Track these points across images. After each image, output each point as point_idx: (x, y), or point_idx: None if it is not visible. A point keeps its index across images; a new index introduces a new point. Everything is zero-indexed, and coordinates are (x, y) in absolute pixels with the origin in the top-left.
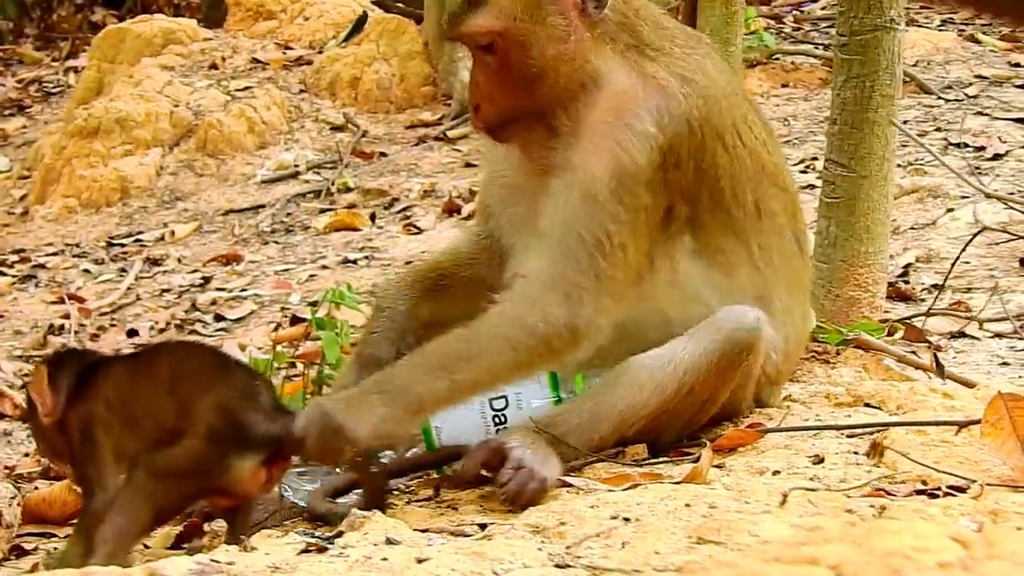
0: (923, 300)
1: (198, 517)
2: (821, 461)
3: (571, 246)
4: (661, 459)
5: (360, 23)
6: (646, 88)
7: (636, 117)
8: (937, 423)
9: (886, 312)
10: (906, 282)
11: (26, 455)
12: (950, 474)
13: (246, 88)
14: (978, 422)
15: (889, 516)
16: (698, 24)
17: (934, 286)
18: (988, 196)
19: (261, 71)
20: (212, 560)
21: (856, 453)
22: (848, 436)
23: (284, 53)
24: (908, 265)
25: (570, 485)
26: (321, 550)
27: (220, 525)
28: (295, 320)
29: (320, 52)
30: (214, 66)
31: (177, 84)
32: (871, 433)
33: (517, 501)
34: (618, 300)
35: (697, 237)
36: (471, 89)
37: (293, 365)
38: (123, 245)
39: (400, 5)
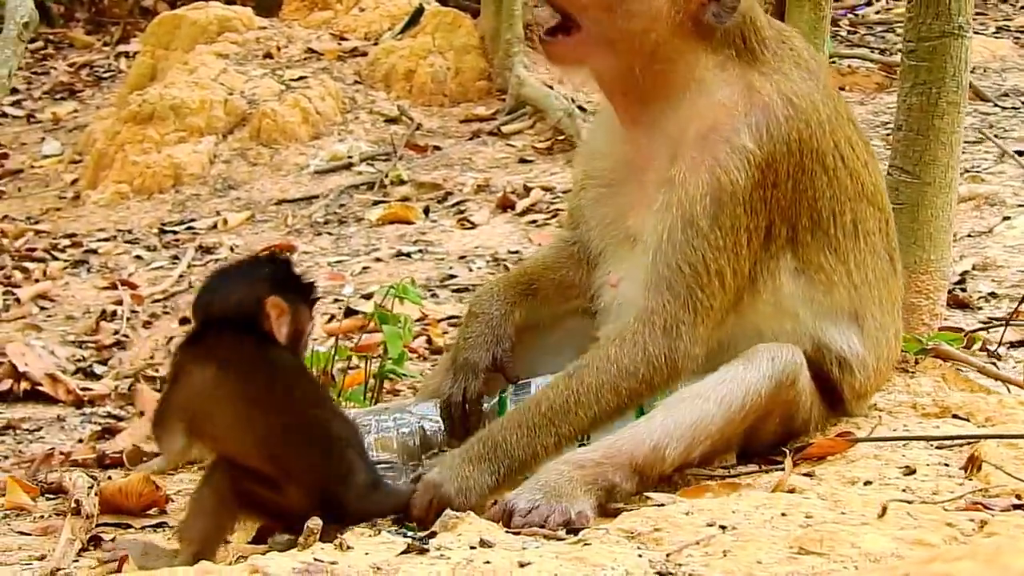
0: (980, 308)
1: None
2: (912, 472)
3: (669, 276)
4: (746, 470)
5: (416, 16)
6: (749, 103)
7: (735, 132)
8: None
9: (945, 320)
10: (963, 290)
11: (80, 441)
12: None
13: (300, 78)
14: None
15: (991, 531)
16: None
17: (991, 295)
18: None
19: (316, 61)
20: (315, 559)
21: (947, 465)
22: (938, 447)
23: (339, 44)
24: (965, 273)
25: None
26: (421, 551)
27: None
28: (349, 312)
29: (375, 44)
30: (269, 55)
31: (231, 72)
32: (962, 445)
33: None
34: (716, 327)
35: (798, 255)
36: None
37: (350, 359)
38: (175, 232)
39: None
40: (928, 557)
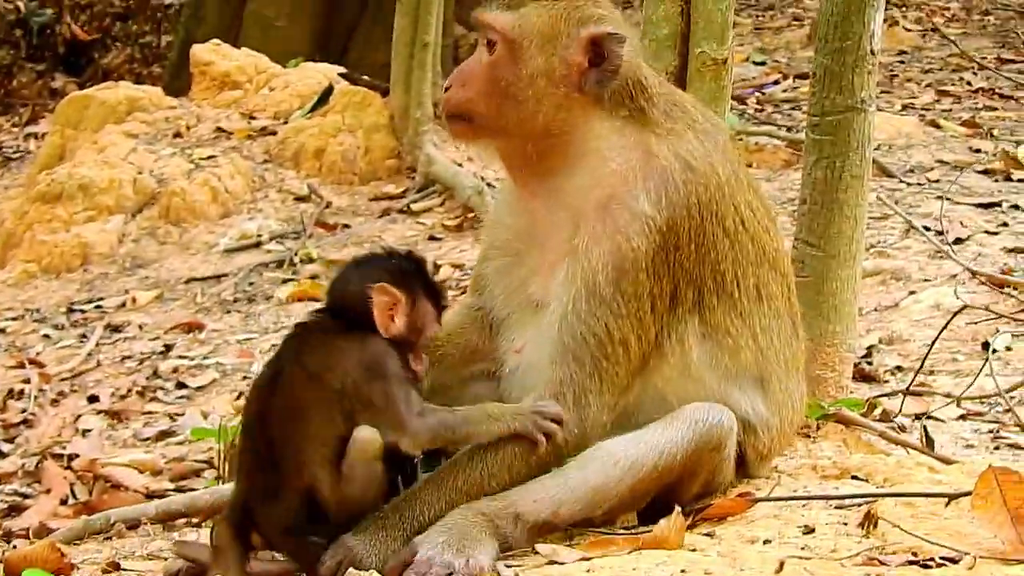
0: (887, 381)
1: None
2: (812, 531)
3: (574, 347)
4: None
5: (326, 95)
6: (647, 168)
7: (634, 199)
8: (927, 495)
9: (851, 392)
10: (869, 363)
11: None
12: (941, 545)
13: (210, 157)
14: (968, 494)
15: None
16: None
17: (897, 368)
18: (973, 274)
19: (225, 140)
20: None
21: (846, 524)
22: (837, 507)
23: (249, 123)
24: (871, 347)
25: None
26: None
27: None
28: None
29: (285, 123)
30: (178, 134)
31: (141, 151)
32: (860, 504)
33: None
34: (622, 394)
35: (704, 319)
36: (456, 71)
37: None
38: (84, 311)
39: (366, 78)
40: None
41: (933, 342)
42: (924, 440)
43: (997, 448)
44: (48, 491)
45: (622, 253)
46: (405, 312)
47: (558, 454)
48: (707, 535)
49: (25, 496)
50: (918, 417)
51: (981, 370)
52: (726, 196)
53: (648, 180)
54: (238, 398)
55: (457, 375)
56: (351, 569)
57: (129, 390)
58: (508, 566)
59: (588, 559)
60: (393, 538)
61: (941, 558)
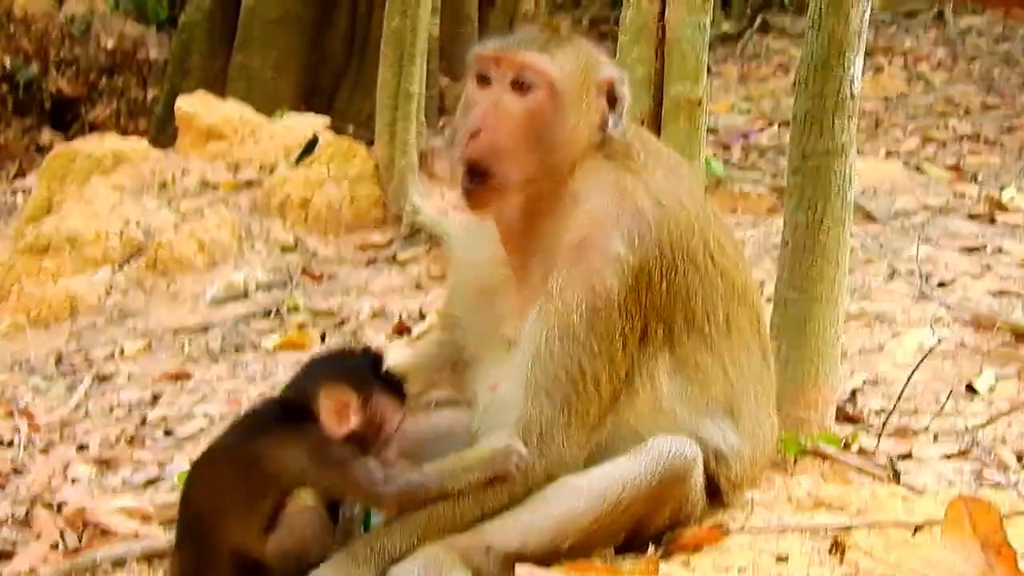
0: (871, 424)
1: None
2: (785, 560)
3: (546, 385)
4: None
5: (311, 145)
6: (621, 208)
7: (608, 241)
8: (898, 524)
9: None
10: (854, 406)
11: None
12: (913, 572)
13: (196, 209)
14: (938, 522)
15: None
16: (661, 138)
17: (881, 410)
18: (949, 309)
19: (211, 192)
20: None
21: (820, 553)
22: (811, 537)
23: (234, 175)
24: (856, 389)
25: None
26: None
27: None
28: None
29: (271, 173)
30: (164, 186)
31: (127, 203)
32: (834, 534)
33: None
34: (594, 430)
35: (675, 354)
36: (475, 116)
37: None
38: (72, 362)
39: (351, 128)
40: None
41: (909, 377)
42: (891, 472)
43: (980, 487)
44: (38, 537)
45: (596, 294)
46: (357, 410)
47: (527, 490)
48: (682, 564)
49: (15, 544)
50: (901, 457)
51: (944, 404)
52: (696, 232)
53: (622, 221)
54: None
55: (423, 401)
56: None
57: (118, 438)
58: None
59: None
60: (365, 571)
61: None
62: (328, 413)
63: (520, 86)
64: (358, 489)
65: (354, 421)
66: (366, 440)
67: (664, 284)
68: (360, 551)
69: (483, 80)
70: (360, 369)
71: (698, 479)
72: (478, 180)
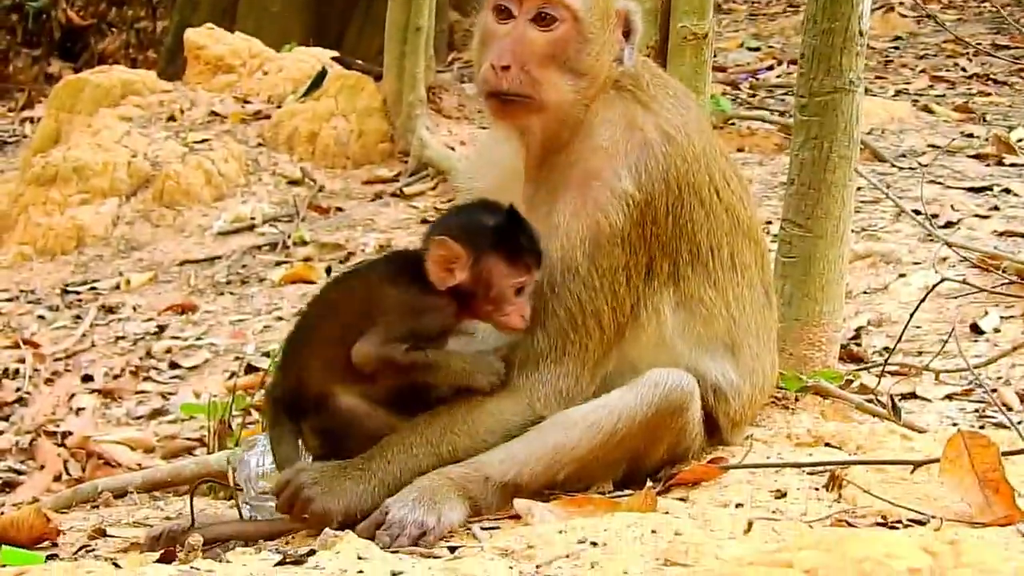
0: (875, 363)
1: (171, 544)
2: (783, 496)
3: (543, 319)
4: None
5: (319, 79)
6: (630, 143)
7: (616, 176)
8: (896, 462)
9: None
10: (858, 344)
11: None
12: (909, 509)
13: (204, 140)
14: (936, 460)
15: None
16: (667, 72)
17: (885, 349)
18: (950, 245)
19: (219, 124)
20: (192, 568)
21: (817, 489)
22: (809, 473)
23: (243, 107)
24: (860, 328)
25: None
26: (297, 562)
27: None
28: (250, 369)
29: (279, 107)
30: (172, 118)
31: (135, 135)
32: (831, 470)
33: (396, 549)
34: (597, 364)
35: (679, 290)
36: (505, 49)
37: (250, 413)
38: (78, 293)
39: (360, 62)
40: (774, 549)
41: (911, 316)
42: (892, 410)
43: (982, 427)
44: (42, 467)
45: (600, 229)
46: (466, 267)
47: (523, 423)
48: (680, 499)
49: (19, 472)
50: (904, 397)
51: (945, 343)
52: (702, 167)
53: (630, 155)
54: (230, 378)
55: None
56: (327, 529)
57: (123, 370)
58: (484, 528)
59: (561, 521)
60: (352, 485)
61: (909, 520)
62: (434, 263)
63: (544, 19)
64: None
65: (459, 277)
66: (473, 298)
67: (670, 219)
68: (352, 471)
69: (503, 13)
70: (483, 227)
71: (695, 412)
72: (516, 106)
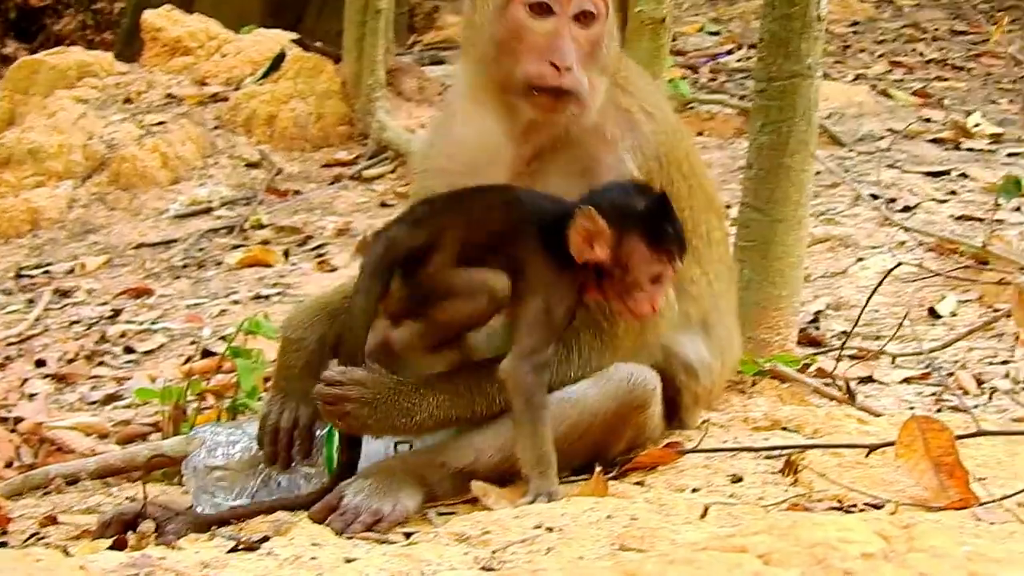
0: (833, 347)
1: (122, 530)
2: (740, 480)
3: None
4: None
5: (278, 61)
6: (622, 125)
7: (620, 160)
8: (851, 446)
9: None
10: (816, 328)
11: None
12: (865, 493)
13: (161, 123)
14: (891, 444)
15: None
16: (625, 56)
17: (843, 333)
18: (907, 230)
19: (176, 106)
20: (144, 555)
21: (774, 474)
22: (766, 458)
23: (200, 89)
24: (818, 312)
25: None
26: (250, 548)
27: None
28: (206, 353)
29: (236, 89)
30: (129, 100)
31: (91, 117)
32: (788, 455)
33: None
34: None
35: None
36: (567, 50)
37: (205, 398)
38: (32, 276)
39: (319, 44)
40: (728, 533)
41: (868, 300)
42: (847, 395)
43: (939, 411)
44: None
45: None
46: (608, 244)
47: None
48: (637, 484)
49: None
50: (861, 381)
51: (899, 327)
52: (679, 142)
53: (625, 139)
54: (186, 362)
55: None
56: (280, 513)
57: (76, 354)
58: (440, 514)
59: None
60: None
61: (864, 504)
62: (577, 235)
63: (585, 17)
64: (519, 337)
65: (599, 253)
66: (609, 279)
67: None
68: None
69: (541, 9)
70: (633, 207)
71: (657, 407)
72: (574, 104)
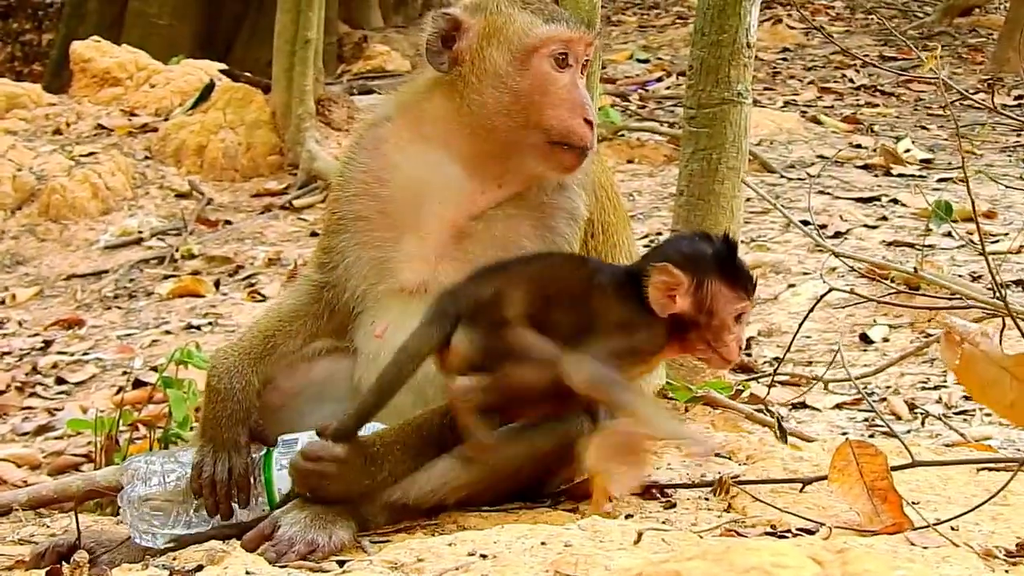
0: (765, 373)
1: (56, 560)
2: (673, 506)
3: None
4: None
5: (207, 91)
6: None
7: (571, 202)
8: (783, 480)
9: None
10: (748, 354)
11: None
12: (799, 516)
13: (90, 154)
14: (823, 478)
15: None
16: None
17: (775, 359)
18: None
19: (106, 137)
20: None
21: (707, 499)
22: (699, 484)
23: (130, 120)
24: (751, 338)
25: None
26: None
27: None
28: (138, 384)
29: (166, 120)
30: (58, 131)
31: (20, 148)
32: (720, 476)
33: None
34: None
35: None
36: (589, 106)
37: (137, 428)
38: None
39: (248, 74)
40: (662, 559)
41: (799, 325)
42: (777, 427)
43: (872, 436)
44: None
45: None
46: (688, 293)
47: None
48: (570, 511)
49: None
50: (794, 407)
51: (836, 354)
52: (605, 169)
53: (571, 177)
54: (118, 393)
55: (300, 354)
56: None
57: (8, 385)
58: (373, 542)
59: (451, 532)
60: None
61: (798, 529)
62: (656, 291)
63: (584, 68)
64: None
65: (680, 304)
66: (696, 329)
67: (600, 226)
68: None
69: (563, 62)
70: (703, 253)
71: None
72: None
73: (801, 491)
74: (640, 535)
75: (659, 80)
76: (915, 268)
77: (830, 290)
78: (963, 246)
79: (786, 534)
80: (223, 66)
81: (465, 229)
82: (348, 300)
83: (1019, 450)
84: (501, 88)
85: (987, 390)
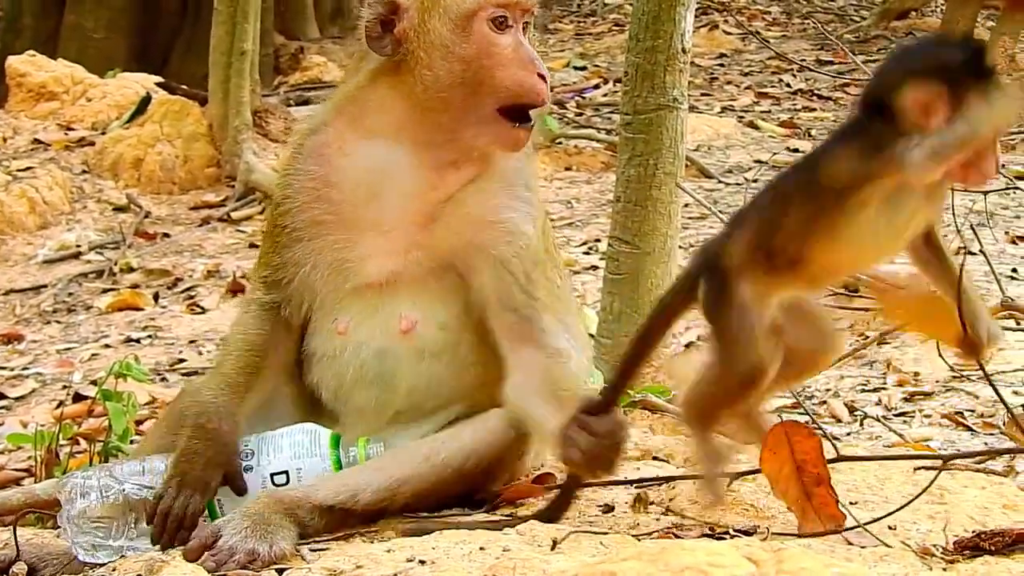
0: None
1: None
2: (611, 510)
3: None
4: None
5: (144, 104)
6: (517, 177)
7: (521, 223)
8: (719, 475)
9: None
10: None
11: None
12: (738, 519)
13: (27, 168)
14: (757, 472)
15: None
16: None
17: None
18: None
19: (43, 151)
20: None
21: (652, 503)
22: (637, 487)
23: (66, 134)
24: (690, 343)
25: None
26: None
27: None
28: (78, 398)
29: (103, 133)
30: None
31: None
32: (659, 484)
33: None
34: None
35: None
36: (536, 60)
37: (78, 442)
38: None
39: (184, 87)
40: (597, 561)
41: None
42: None
43: None
44: None
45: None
46: (945, 107)
47: None
48: (508, 516)
49: None
50: None
51: None
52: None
53: (517, 183)
54: (58, 407)
55: (273, 380)
56: (152, 555)
57: None
58: (312, 550)
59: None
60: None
61: (736, 530)
62: (912, 110)
63: (524, 28)
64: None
65: (941, 120)
66: None
67: (545, 240)
68: None
69: (502, 24)
70: (954, 60)
71: (536, 446)
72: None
73: (728, 486)
74: (559, 540)
75: (596, 87)
76: None
77: None
78: None
79: (724, 536)
80: (159, 79)
81: (432, 214)
82: (306, 311)
83: (959, 450)
84: (450, 58)
85: (924, 322)
